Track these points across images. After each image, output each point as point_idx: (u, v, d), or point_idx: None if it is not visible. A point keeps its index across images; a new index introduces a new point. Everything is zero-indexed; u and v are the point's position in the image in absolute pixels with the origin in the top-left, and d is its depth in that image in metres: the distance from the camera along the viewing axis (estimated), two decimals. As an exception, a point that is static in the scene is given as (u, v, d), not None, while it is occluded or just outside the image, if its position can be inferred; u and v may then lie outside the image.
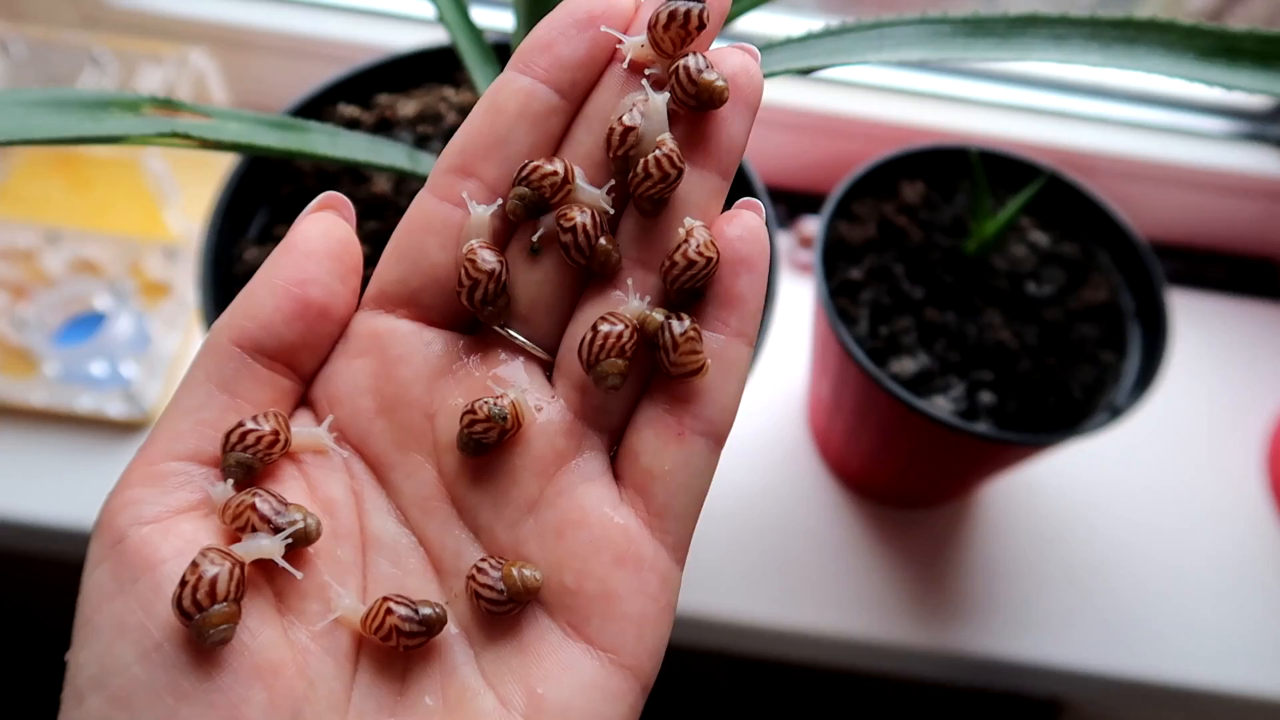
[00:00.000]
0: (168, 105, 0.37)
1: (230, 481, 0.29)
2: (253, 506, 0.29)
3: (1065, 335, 0.57)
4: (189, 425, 0.30)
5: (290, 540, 0.29)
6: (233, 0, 0.75)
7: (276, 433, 0.30)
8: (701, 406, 0.30)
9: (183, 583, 0.27)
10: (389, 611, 0.29)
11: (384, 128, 0.55)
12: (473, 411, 0.30)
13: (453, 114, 0.55)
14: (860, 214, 0.61)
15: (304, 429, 0.31)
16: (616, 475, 0.31)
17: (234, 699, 0.27)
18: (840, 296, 0.58)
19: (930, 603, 0.66)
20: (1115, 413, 0.53)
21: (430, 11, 0.75)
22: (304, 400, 0.32)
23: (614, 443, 0.31)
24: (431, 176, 0.31)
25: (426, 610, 0.29)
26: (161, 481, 0.29)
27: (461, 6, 0.48)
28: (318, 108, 0.54)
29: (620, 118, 0.29)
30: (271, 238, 0.53)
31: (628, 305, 0.30)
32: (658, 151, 0.29)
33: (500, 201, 0.30)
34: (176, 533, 0.28)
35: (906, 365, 0.56)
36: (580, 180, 0.30)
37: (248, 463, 0.29)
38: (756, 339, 0.30)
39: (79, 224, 0.72)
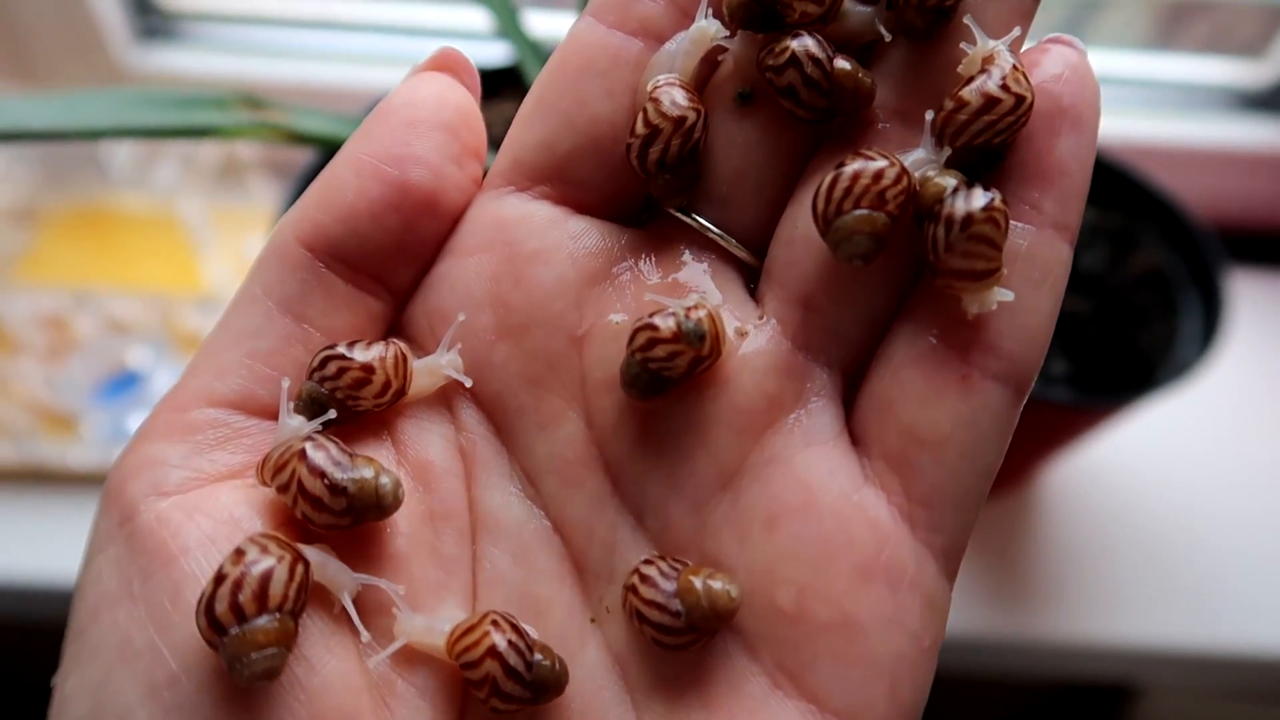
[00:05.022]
0: (252, 103, 0.37)
1: (302, 419, 0.21)
2: (300, 454, 0.19)
3: (1127, 302, 0.57)
4: (236, 358, 0.21)
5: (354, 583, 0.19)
6: (249, 56, 0.76)
7: (369, 369, 0.20)
8: (999, 335, 0.20)
9: (218, 579, 0.18)
10: (492, 651, 0.19)
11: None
12: (651, 326, 0.20)
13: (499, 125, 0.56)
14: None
15: (417, 363, 0.22)
16: (855, 436, 0.21)
17: None
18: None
19: (1000, 593, 0.65)
20: (1185, 368, 0.53)
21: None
22: (396, 326, 0.23)
23: (850, 385, 0.22)
24: None
25: (542, 662, 0.19)
26: (192, 434, 0.21)
27: (516, 20, 0.49)
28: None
29: None
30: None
31: (902, 155, 0.21)
32: None
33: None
34: (208, 509, 0.20)
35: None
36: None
37: (320, 400, 0.21)
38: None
39: (109, 283, 0.72)
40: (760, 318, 0.22)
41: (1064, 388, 0.55)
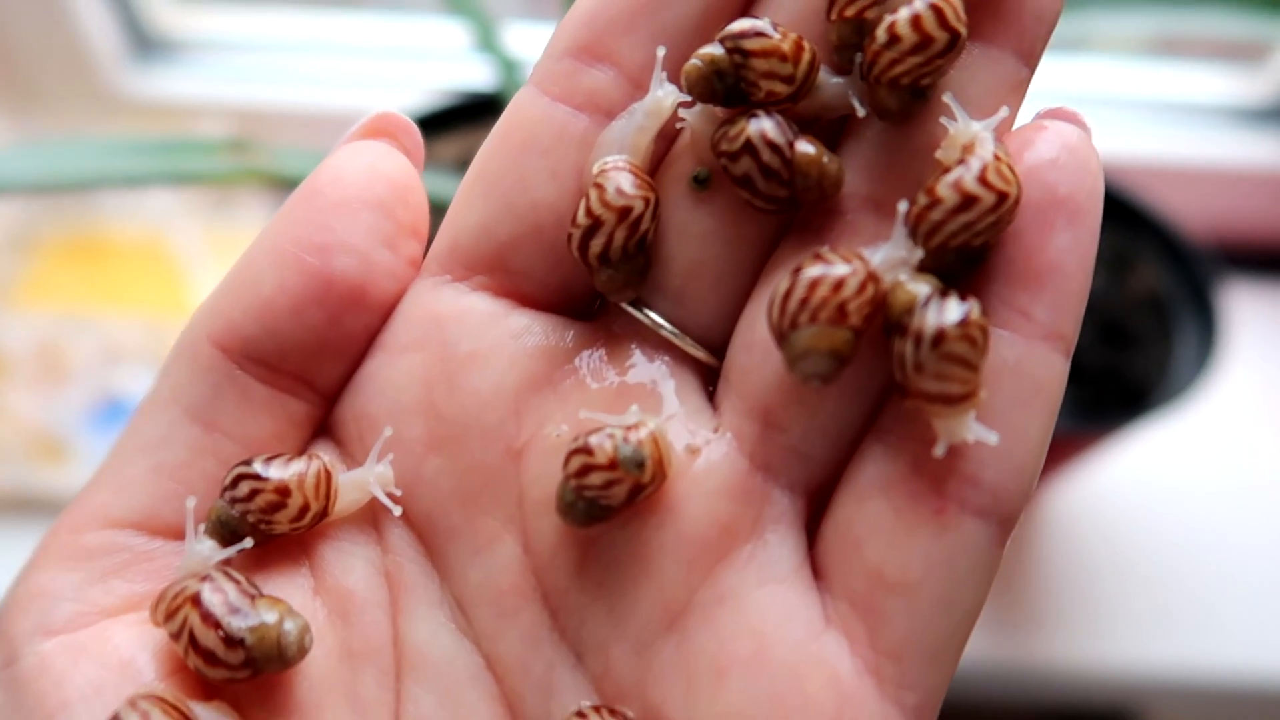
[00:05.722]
0: (238, 146, 0.37)
1: (212, 543, 0.19)
2: (194, 599, 0.18)
3: (1123, 326, 0.57)
4: (139, 472, 0.19)
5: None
6: (241, 79, 0.76)
7: (284, 490, 0.19)
8: (980, 464, 0.18)
9: None
10: None
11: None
12: (587, 451, 0.19)
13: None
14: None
15: (344, 476, 0.20)
16: (817, 568, 0.19)
17: None
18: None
19: (998, 618, 0.64)
20: (1179, 393, 0.53)
21: (430, 79, 0.76)
22: (325, 426, 0.21)
23: (815, 510, 0.20)
24: (540, 64, 0.20)
25: None
26: (87, 561, 0.19)
27: (493, 34, 0.49)
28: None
29: None
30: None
31: (869, 252, 0.18)
32: (919, 2, 0.17)
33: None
34: (97, 651, 0.18)
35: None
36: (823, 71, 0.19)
37: (230, 524, 0.19)
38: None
39: (104, 309, 0.72)
40: (716, 430, 0.20)
41: (1061, 413, 0.54)
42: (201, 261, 0.70)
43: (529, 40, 0.55)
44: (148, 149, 0.35)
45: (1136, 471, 0.70)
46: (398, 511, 0.20)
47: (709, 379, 0.21)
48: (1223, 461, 0.72)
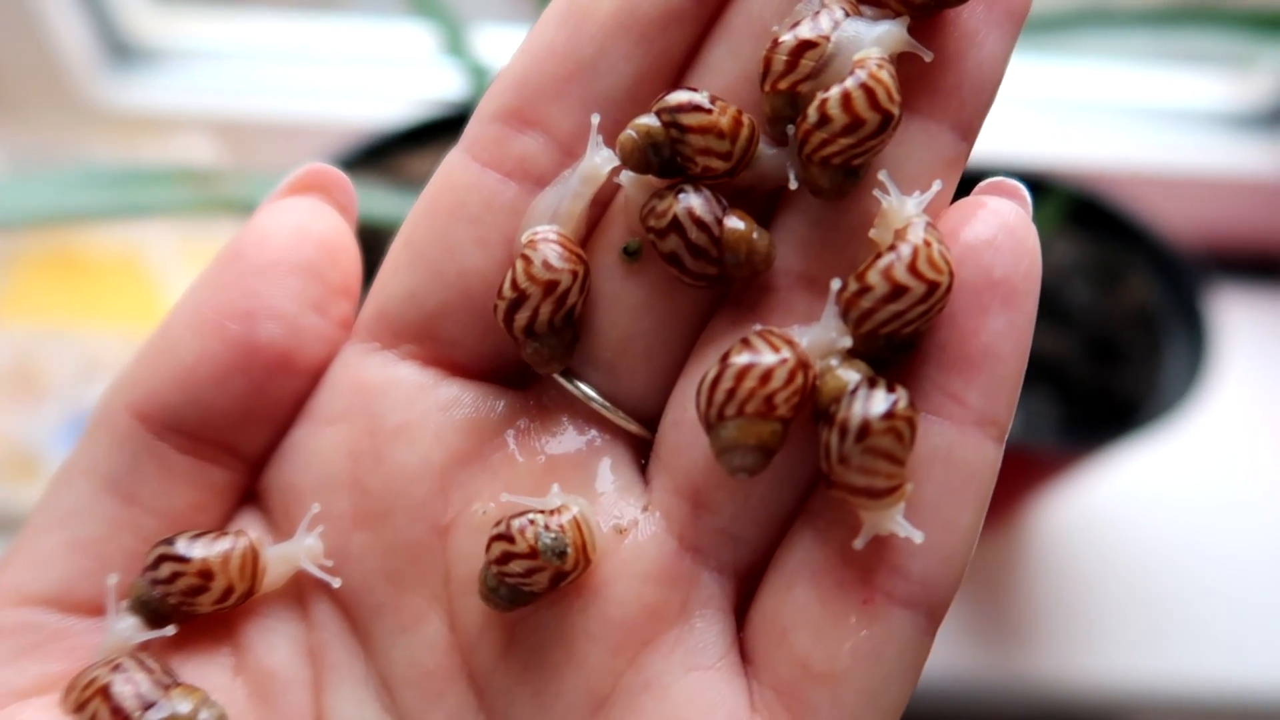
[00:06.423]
0: (196, 178, 0.36)
1: (134, 621, 0.19)
2: (104, 691, 0.17)
3: (1112, 340, 0.57)
4: (54, 546, 0.19)
5: None
6: (223, 90, 0.75)
7: (207, 574, 0.18)
8: (908, 554, 0.17)
9: None
10: None
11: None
12: (508, 538, 0.18)
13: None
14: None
15: (272, 550, 0.19)
16: (745, 653, 0.19)
17: None
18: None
19: (986, 631, 0.64)
20: (1166, 411, 0.53)
21: (414, 92, 0.75)
22: (251, 494, 0.21)
23: (744, 593, 0.19)
24: (471, 127, 0.20)
25: None
26: (1, 640, 0.18)
27: (459, 37, 0.48)
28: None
29: (794, 24, 0.17)
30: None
31: (801, 331, 0.18)
32: (851, 81, 0.16)
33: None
34: None
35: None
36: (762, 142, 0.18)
37: (151, 605, 0.18)
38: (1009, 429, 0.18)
39: (80, 322, 0.71)
40: (645, 508, 0.19)
41: (1047, 430, 0.54)
42: (178, 275, 0.69)
43: (501, 44, 0.54)
44: (101, 180, 0.34)
45: (1125, 485, 0.69)
46: (336, 584, 0.19)
47: (641, 451, 0.20)
48: (1210, 475, 0.71)
